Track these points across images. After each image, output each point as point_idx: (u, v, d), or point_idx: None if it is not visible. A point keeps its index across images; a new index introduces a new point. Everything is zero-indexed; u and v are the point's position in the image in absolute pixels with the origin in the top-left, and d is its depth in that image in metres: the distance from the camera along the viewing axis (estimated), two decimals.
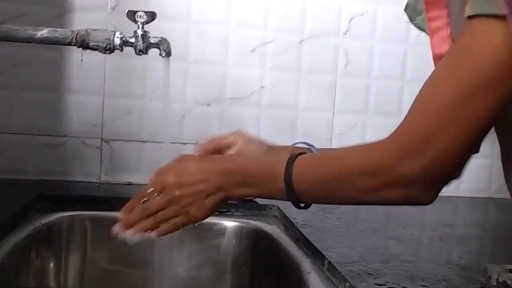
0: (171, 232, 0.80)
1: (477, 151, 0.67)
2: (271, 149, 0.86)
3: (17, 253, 0.96)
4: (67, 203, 1.19)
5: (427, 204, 0.63)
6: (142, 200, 0.79)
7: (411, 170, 0.59)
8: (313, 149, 0.84)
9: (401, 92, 1.54)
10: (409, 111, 0.61)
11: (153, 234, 0.79)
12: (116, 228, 0.81)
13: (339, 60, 1.50)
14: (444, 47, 0.63)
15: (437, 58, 0.65)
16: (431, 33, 0.66)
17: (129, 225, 0.80)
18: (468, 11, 0.55)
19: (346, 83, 1.51)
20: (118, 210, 1.16)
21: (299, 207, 0.74)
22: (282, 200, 0.74)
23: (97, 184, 1.39)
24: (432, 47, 0.66)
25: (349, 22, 1.50)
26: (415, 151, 0.59)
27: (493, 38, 0.53)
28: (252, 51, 1.46)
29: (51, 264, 1.11)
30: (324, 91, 1.50)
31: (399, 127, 0.61)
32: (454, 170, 0.60)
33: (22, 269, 0.99)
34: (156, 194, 0.79)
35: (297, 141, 0.92)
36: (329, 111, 1.51)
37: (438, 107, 0.57)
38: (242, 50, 1.45)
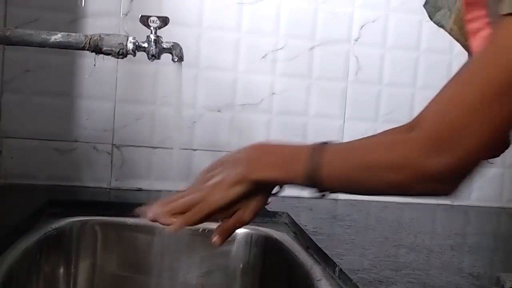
0: (195, 222, 0.75)
1: (499, 154, 0.66)
2: None
3: (28, 258, 0.96)
4: (78, 208, 1.19)
5: (449, 196, 0.63)
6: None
7: (440, 166, 0.59)
8: None
9: (412, 100, 1.53)
10: (435, 103, 0.60)
11: (176, 223, 0.75)
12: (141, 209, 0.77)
13: (350, 67, 1.50)
14: None
15: None
16: (471, 34, 0.65)
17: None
18: (503, 9, 0.55)
19: (357, 90, 1.51)
20: (128, 215, 1.18)
21: (318, 196, 0.72)
22: (302, 186, 0.71)
23: (107, 189, 1.39)
24: (473, 49, 0.65)
25: (361, 29, 1.50)
26: (444, 147, 0.58)
27: None
28: (263, 57, 1.46)
29: (61, 269, 1.11)
30: (335, 98, 1.50)
31: (425, 119, 0.61)
32: (480, 166, 0.60)
33: (33, 274, 0.99)
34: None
35: None
36: (339, 118, 1.51)
37: (470, 102, 0.56)
38: (253, 56, 1.45)
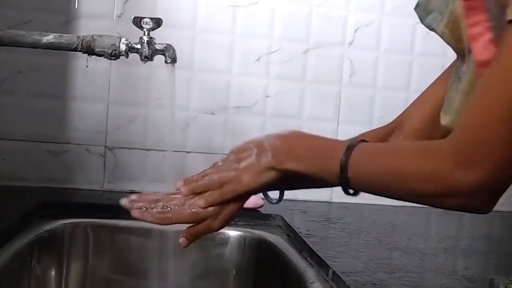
0: (219, 202, 0.75)
1: None
2: None
3: (19, 260, 0.95)
4: (70, 211, 1.18)
5: (485, 213, 0.61)
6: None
7: (469, 181, 0.57)
8: None
9: (406, 103, 1.52)
10: (465, 117, 0.59)
11: (200, 202, 0.75)
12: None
13: (344, 70, 1.50)
14: (487, 53, 0.61)
15: (481, 64, 0.63)
16: (472, 39, 0.64)
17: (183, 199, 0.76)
18: (509, 15, 0.54)
19: (351, 93, 1.51)
20: (121, 218, 1.17)
21: (348, 193, 0.72)
22: (330, 183, 0.71)
23: (100, 192, 1.38)
24: (474, 54, 0.64)
25: (355, 32, 1.50)
26: (473, 161, 0.56)
27: None
28: (257, 60, 1.46)
29: (53, 272, 1.10)
30: (329, 101, 1.50)
31: (457, 132, 0.59)
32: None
33: (24, 276, 0.98)
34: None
35: None
36: (333, 121, 1.50)
37: (493, 113, 0.55)
38: (247, 59, 1.45)
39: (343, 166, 0.68)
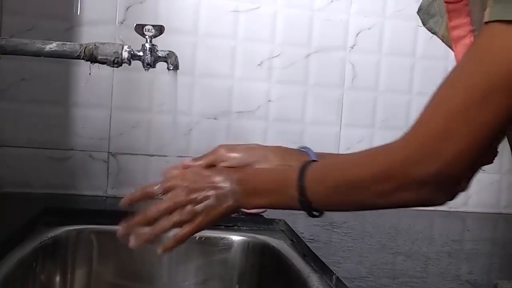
0: (176, 244, 0.78)
1: (490, 161, 0.66)
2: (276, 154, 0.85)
3: (23, 267, 0.95)
4: (74, 217, 1.18)
5: (441, 204, 0.63)
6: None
7: (424, 173, 0.58)
8: (309, 152, 0.82)
9: (408, 106, 1.53)
10: (421, 113, 0.60)
11: (157, 246, 0.78)
12: (119, 232, 0.79)
13: (346, 74, 1.50)
14: None
15: None
16: (454, 41, 0.66)
17: (129, 230, 0.78)
18: (487, 17, 0.55)
19: (353, 97, 1.51)
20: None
21: (313, 216, 0.74)
22: (294, 209, 0.73)
23: (104, 197, 1.39)
24: (455, 56, 0.65)
25: (356, 36, 1.50)
26: (427, 154, 0.58)
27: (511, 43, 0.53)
28: (259, 65, 1.46)
29: (57, 278, 1.10)
30: (331, 105, 1.50)
31: (410, 129, 0.61)
32: (466, 173, 0.60)
33: (28, 283, 0.98)
34: (161, 192, 0.78)
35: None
36: (336, 125, 1.51)
37: (451, 109, 0.57)
38: (249, 64, 1.45)
39: (300, 190, 0.70)
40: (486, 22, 0.55)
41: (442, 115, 0.57)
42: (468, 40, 0.64)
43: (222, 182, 0.77)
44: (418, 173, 0.59)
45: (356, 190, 0.66)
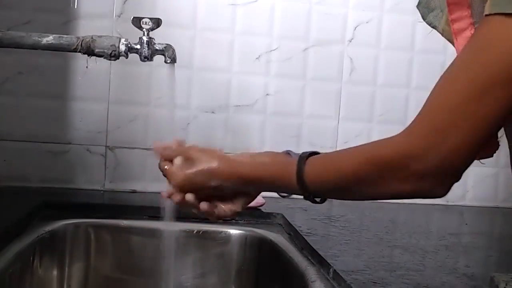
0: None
1: (491, 155, 0.67)
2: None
3: (21, 261, 0.95)
4: (71, 211, 1.18)
5: (440, 197, 0.63)
6: None
7: (424, 166, 0.59)
8: (292, 155, 0.82)
9: (406, 100, 1.53)
10: (423, 106, 0.60)
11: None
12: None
13: (344, 68, 1.50)
14: None
15: None
16: (455, 34, 0.66)
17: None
18: (487, 9, 0.55)
19: (351, 91, 1.51)
20: (122, 218, 1.18)
21: (315, 202, 0.75)
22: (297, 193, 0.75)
23: (101, 191, 1.39)
24: (456, 49, 0.65)
25: (354, 29, 1.50)
26: (428, 147, 0.58)
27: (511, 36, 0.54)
28: (257, 58, 1.46)
29: (55, 272, 1.10)
30: (329, 99, 1.50)
31: (412, 122, 0.61)
32: (467, 165, 0.60)
33: (26, 277, 0.99)
34: None
35: (302, 149, 0.90)
36: (334, 119, 1.51)
37: (452, 101, 0.57)
38: (247, 57, 1.45)
39: (301, 184, 0.72)
40: (486, 15, 0.55)
41: (443, 109, 0.58)
42: (469, 33, 0.64)
43: (224, 180, 0.79)
44: (419, 166, 0.59)
45: (355, 182, 0.67)
